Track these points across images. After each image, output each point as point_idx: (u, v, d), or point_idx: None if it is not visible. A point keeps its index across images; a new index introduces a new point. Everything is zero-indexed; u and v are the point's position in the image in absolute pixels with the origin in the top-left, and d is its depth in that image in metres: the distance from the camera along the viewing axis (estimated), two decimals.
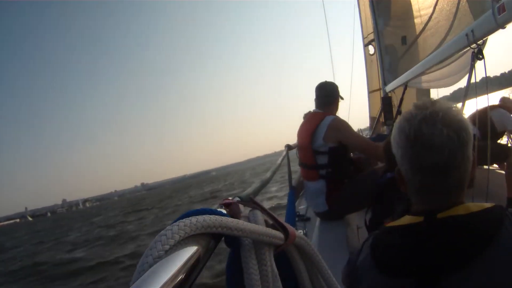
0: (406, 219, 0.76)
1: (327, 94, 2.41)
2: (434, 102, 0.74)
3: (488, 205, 0.71)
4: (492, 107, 2.96)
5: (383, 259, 0.75)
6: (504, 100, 3.53)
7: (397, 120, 0.77)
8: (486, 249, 0.64)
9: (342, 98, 2.48)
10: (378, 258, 0.76)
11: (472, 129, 0.73)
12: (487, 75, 1.64)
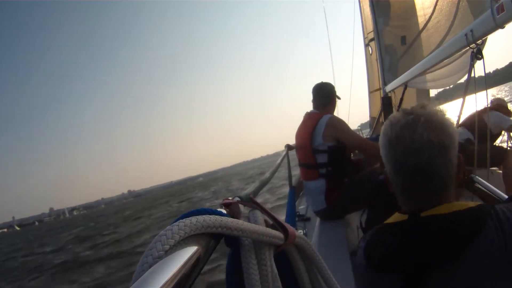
0: (394, 217, 0.80)
1: (324, 95, 2.43)
2: (421, 106, 0.76)
3: (472, 204, 0.72)
4: (485, 110, 2.99)
5: (372, 254, 0.78)
6: (495, 101, 3.56)
7: (384, 123, 0.80)
8: (468, 247, 0.65)
9: (339, 98, 2.51)
10: (367, 253, 0.79)
11: (457, 134, 0.75)
12: (484, 75, 1.64)
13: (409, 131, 0.72)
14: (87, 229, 29.49)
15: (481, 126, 2.76)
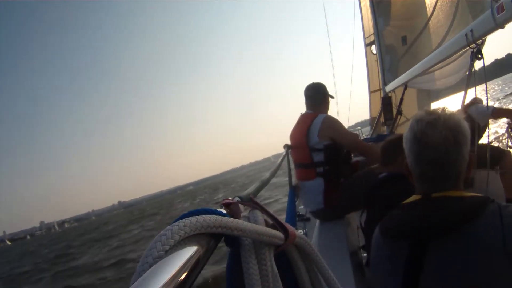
0: (410, 199, 0.94)
1: (316, 95, 2.43)
2: (442, 108, 0.90)
3: (478, 195, 0.85)
4: (469, 105, 3.01)
5: (386, 226, 0.95)
6: (476, 100, 3.62)
7: (411, 119, 0.93)
8: (468, 224, 0.77)
9: (332, 97, 2.50)
10: (383, 224, 0.96)
11: (469, 134, 0.87)
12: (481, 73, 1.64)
13: (431, 128, 0.86)
14: (68, 247, 30.04)
15: (470, 122, 2.77)
